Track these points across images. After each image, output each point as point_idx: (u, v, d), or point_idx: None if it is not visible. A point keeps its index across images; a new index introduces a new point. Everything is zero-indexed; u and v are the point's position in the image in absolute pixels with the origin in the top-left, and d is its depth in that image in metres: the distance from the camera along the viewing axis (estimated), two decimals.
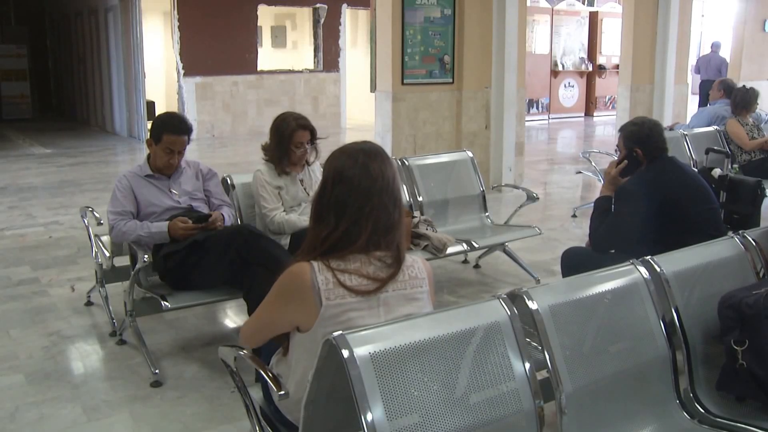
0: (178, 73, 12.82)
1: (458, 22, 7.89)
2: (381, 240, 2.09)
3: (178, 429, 3.16)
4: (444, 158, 5.45)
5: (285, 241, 3.98)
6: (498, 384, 2.02)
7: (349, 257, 2.07)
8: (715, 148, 6.54)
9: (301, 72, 14.32)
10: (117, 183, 3.93)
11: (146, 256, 3.59)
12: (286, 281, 2.10)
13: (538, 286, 2.35)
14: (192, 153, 9.63)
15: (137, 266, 3.63)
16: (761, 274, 2.86)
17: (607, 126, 14.52)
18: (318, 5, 14.34)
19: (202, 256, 3.61)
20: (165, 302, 3.54)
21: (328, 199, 2.09)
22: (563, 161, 10.97)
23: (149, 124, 4.21)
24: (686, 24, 10.33)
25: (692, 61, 16.50)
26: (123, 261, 4.12)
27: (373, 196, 2.07)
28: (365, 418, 1.78)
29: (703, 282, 2.67)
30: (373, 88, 8.44)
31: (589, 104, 16.37)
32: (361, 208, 2.06)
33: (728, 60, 13.55)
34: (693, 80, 16.68)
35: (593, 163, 7.01)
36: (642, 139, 3.73)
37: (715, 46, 13.97)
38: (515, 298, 2.20)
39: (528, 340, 2.13)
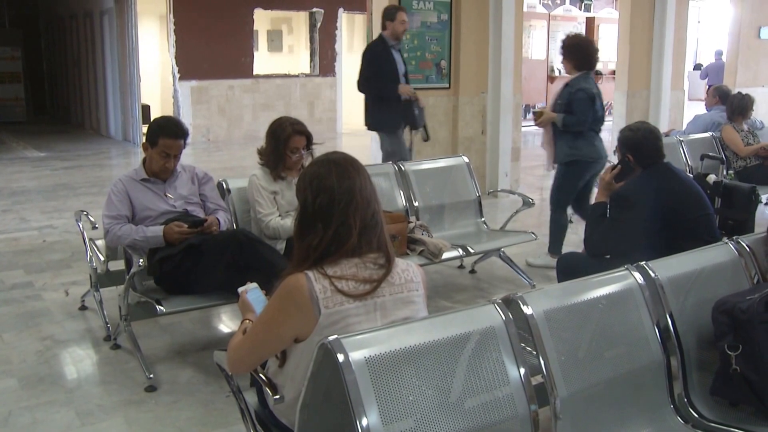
0: (174, 76, 12.81)
1: (455, 28, 7.90)
2: (372, 237, 2.10)
3: None
4: (440, 163, 5.45)
5: (280, 246, 3.98)
6: (493, 389, 2.02)
7: (344, 262, 2.07)
8: (711, 154, 6.57)
9: (297, 76, 14.33)
10: (112, 187, 3.92)
11: (141, 260, 3.58)
12: (283, 295, 2.06)
13: (532, 291, 2.36)
14: (187, 157, 9.62)
15: (132, 270, 3.62)
16: (755, 280, 2.88)
17: (604, 131, 14.53)
18: (314, 10, 14.36)
19: (197, 261, 3.60)
20: (160, 306, 3.53)
21: (312, 210, 2.09)
22: None
23: (144, 128, 4.22)
24: (682, 30, 10.37)
25: (689, 67, 16.66)
26: (118, 265, 4.11)
27: (356, 192, 2.09)
28: (360, 423, 1.78)
29: (697, 287, 2.68)
30: None
31: None
32: (347, 207, 2.07)
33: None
34: (700, 86, 16.85)
35: None
36: (634, 146, 3.75)
37: (718, 54, 14.71)
38: (510, 303, 2.20)
39: (523, 345, 2.13)
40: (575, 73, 5.23)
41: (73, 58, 15.31)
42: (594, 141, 5.30)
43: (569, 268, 3.73)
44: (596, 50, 5.33)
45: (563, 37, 5.49)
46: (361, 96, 6.53)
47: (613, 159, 4.25)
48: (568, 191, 5.42)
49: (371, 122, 6.45)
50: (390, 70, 6.19)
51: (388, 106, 6.19)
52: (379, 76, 6.18)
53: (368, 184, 2.15)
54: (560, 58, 5.47)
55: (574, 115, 5.16)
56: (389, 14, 6.25)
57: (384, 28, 6.25)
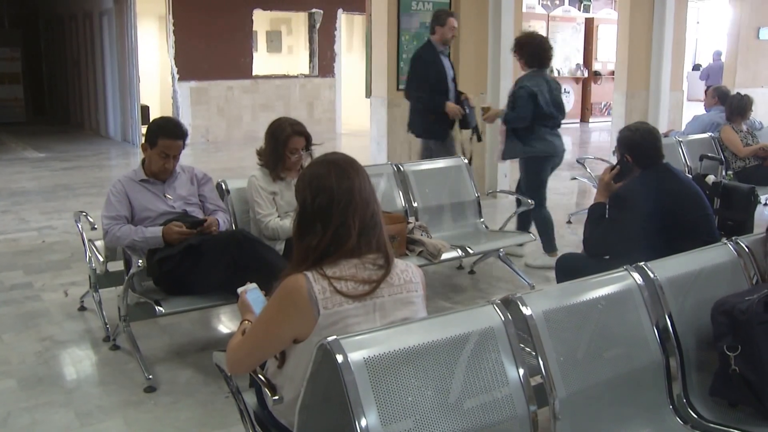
0: (173, 77, 12.81)
1: None
2: (371, 237, 2.10)
3: None
4: (439, 164, 5.45)
5: (280, 247, 3.98)
6: (492, 389, 2.02)
7: (343, 263, 2.07)
8: (710, 154, 6.58)
9: (296, 77, 14.32)
10: (111, 188, 3.92)
11: (140, 261, 3.58)
12: (283, 296, 2.06)
13: (532, 291, 2.36)
14: (186, 158, 9.61)
15: (131, 271, 3.62)
16: (754, 281, 2.88)
17: (603, 132, 14.54)
18: (314, 10, 14.36)
19: (196, 261, 3.60)
20: (159, 307, 3.53)
21: (311, 211, 2.09)
22: (558, 167, 10.95)
23: (143, 129, 4.22)
24: (681, 31, 10.36)
25: (687, 67, 16.68)
26: (117, 266, 4.11)
27: (355, 193, 2.09)
28: (359, 423, 1.78)
29: (696, 288, 2.68)
30: (369, 93, 8.44)
31: (585, 110, 16.39)
32: (346, 208, 2.07)
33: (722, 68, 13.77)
34: (699, 87, 16.92)
35: (588, 170, 7.02)
36: (632, 146, 3.76)
37: (717, 55, 14.75)
38: (509, 304, 2.20)
39: (522, 345, 2.13)
40: (527, 70, 5.34)
41: (72, 58, 15.29)
42: (546, 136, 5.42)
43: (568, 269, 3.73)
44: (549, 49, 5.42)
45: (518, 34, 5.57)
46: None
47: (612, 159, 4.26)
48: (536, 187, 5.54)
49: (419, 130, 6.31)
50: (439, 76, 6.10)
51: (438, 113, 6.09)
52: (427, 85, 6.07)
53: (367, 185, 2.15)
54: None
55: (514, 111, 5.29)
56: (440, 19, 6.13)
57: (433, 32, 6.15)
